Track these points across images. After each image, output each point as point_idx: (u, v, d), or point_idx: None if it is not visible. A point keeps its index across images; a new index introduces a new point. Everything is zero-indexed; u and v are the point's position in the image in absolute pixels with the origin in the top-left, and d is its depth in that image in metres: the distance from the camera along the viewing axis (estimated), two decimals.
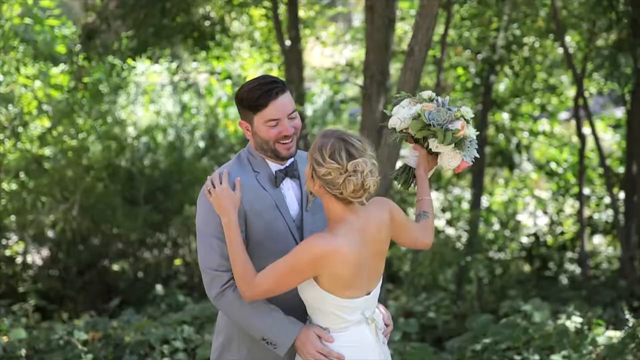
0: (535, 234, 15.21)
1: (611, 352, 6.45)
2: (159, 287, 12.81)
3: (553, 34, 12.12)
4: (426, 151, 4.32)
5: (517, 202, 15.74)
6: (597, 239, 15.44)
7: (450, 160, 4.30)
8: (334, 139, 3.81)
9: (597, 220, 15.09)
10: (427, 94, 4.34)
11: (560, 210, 15.47)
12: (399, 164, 6.49)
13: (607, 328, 7.96)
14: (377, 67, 8.32)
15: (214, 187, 4.00)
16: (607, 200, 15.28)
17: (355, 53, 15.50)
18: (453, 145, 4.23)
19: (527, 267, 15.04)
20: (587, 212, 15.33)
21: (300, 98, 12.53)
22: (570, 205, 15.66)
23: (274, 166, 4.14)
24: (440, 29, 12.43)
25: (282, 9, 13.11)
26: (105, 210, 13.19)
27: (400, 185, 4.40)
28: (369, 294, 3.97)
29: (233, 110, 15.70)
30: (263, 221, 4.05)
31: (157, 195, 13.87)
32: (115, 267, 14.14)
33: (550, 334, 6.81)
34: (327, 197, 3.86)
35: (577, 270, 13.96)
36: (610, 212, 14.96)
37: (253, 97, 4.00)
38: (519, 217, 15.70)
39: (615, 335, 6.89)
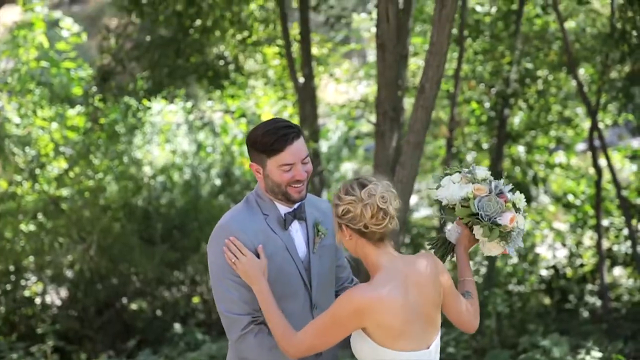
0: (554, 267, 15.11)
1: None
2: (177, 326, 12.80)
3: (566, 67, 12.12)
4: (469, 231, 4.19)
5: (535, 235, 15.64)
6: (617, 271, 15.31)
7: (492, 249, 4.14)
8: (347, 182, 3.88)
9: (617, 252, 14.98)
10: (482, 173, 4.16)
11: (579, 243, 15.37)
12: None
13: None
14: (389, 104, 8.36)
15: (237, 258, 3.99)
16: (625, 232, 15.20)
17: (369, 89, 15.55)
18: (498, 239, 4.07)
19: (547, 300, 14.94)
20: (606, 244, 15.24)
21: (315, 135, 12.59)
22: (589, 237, 15.56)
23: (283, 209, 4.16)
24: (453, 64, 12.47)
25: (295, 46, 13.19)
26: (123, 250, 13.23)
27: (437, 255, 4.25)
28: (428, 347, 3.85)
29: None
30: (274, 264, 4.07)
31: (174, 234, 13.90)
32: (134, 306, 14.14)
33: None
34: (360, 244, 3.85)
35: (598, 302, 13.86)
36: (629, 243, 14.87)
37: (268, 141, 4.01)
38: (538, 250, 15.60)
39: None
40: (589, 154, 16.28)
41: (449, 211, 4.21)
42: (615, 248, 15.03)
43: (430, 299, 3.85)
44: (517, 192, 4.12)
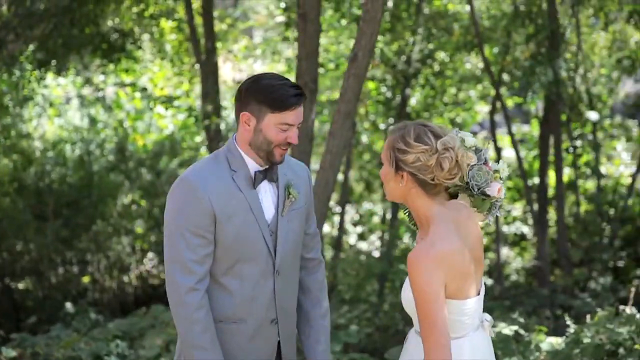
0: None
1: (556, 358, 6.49)
2: (68, 305, 12.40)
3: (470, 47, 12.25)
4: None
5: None
6: (505, 251, 15.66)
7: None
8: (414, 125, 3.63)
9: (507, 234, 15.34)
10: (471, 141, 3.87)
11: None
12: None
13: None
14: (310, 76, 8.23)
15: None
16: (514, 212, 15.59)
17: (268, 66, 15.39)
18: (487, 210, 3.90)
19: None
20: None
21: (217, 111, 12.38)
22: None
23: (253, 166, 3.96)
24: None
25: (196, 20, 12.91)
26: (12, 226, 12.73)
27: (411, 223, 3.99)
28: (479, 293, 3.71)
29: (141, 125, 15.40)
30: (234, 225, 3.88)
31: (66, 211, 13.46)
32: (21, 285, 13.65)
33: (494, 341, 6.82)
34: (415, 194, 3.63)
35: (489, 281, 14.12)
36: (518, 224, 15.25)
37: (279, 96, 3.81)
38: None
39: (557, 341, 6.94)
40: (480, 136, 16.64)
41: None
42: (505, 229, 15.38)
43: (478, 242, 3.73)
44: (500, 160, 4.03)
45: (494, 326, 7.83)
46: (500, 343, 6.80)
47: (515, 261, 15.27)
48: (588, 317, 6.99)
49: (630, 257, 14.04)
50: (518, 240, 15.44)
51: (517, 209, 15.91)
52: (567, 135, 12.75)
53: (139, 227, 14.36)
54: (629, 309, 6.83)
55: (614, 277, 13.06)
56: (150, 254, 14.65)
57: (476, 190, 3.87)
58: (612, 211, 14.15)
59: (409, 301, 3.62)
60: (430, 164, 3.56)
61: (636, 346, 6.31)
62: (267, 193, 3.98)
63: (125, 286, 14.40)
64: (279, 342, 4.09)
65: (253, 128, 3.86)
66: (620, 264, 13.70)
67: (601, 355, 6.31)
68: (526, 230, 15.40)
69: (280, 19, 15.11)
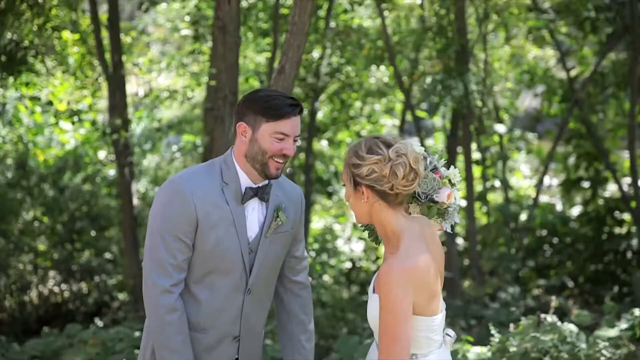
0: (352, 260, 15.41)
1: None
2: None
3: (380, 61, 12.36)
4: None
5: (335, 230, 15.90)
6: None
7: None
8: (366, 139, 3.64)
9: None
10: (417, 149, 3.82)
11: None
12: None
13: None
14: (230, 88, 8.19)
15: None
16: None
17: (171, 80, 15.20)
18: (436, 216, 3.91)
19: (345, 294, 15.17)
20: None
21: (125, 125, 12.16)
22: None
23: (246, 182, 3.94)
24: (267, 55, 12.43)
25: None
26: None
27: (371, 239, 3.99)
28: (441, 310, 3.69)
29: (41, 139, 15.01)
30: (215, 234, 3.86)
31: None
32: None
33: None
34: (377, 208, 3.60)
35: None
36: None
37: (274, 105, 3.83)
38: (338, 243, 15.85)
39: (482, 351, 7.02)
40: None
41: None
42: None
43: (442, 257, 3.75)
44: (452, 166, 4.03)
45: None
46: None
47: None
48: (511, 326, 7.09)
49: (530, 267, 14.39)
50: None
51: None
52: (476, 147, 12.99)
53: (42, 245, 13.98)
54: (550, 318, 6.96)
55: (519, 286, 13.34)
56: (52, 272, 14.26)
57: (423, 197, 3.88)
58: (516, 222, 14.47)
59: (375, 317, 3.57)
60: (385, 174, 3.55)
61: (561, 354, 6.44)
62: (254, 211, 3.97)
63: (26, 305, 13.99)
64: None
65: (249, 139, 3.87)
66: (520, 273, 14.02)
67: None
68: None
69: (186, 32, 15.00)
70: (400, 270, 3.46)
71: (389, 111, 15.58)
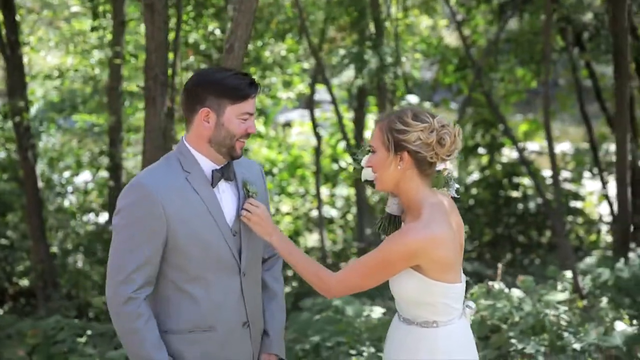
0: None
1: None
2: None
3: (284, 34, 12.26)
4: None
5: None
6: (315, 235, 15.86)
7: None
8: (407, 108, 3.70)
9: (316, 218, 15.53)
10: None
11: (277, 210, 15.72)
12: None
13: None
14: (160, 68, 7.97)
15: (250, 212, 3.72)
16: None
17: (62, 59, 14.71)
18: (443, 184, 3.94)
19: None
20: (302, 210, 15.79)
21: (26, 106, 11.72)
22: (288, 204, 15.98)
23: (209, 165, 3.81)
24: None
25: None
26: None
27: (380, 229, 3.99)
28: (461, 280, 3.79)
29: None
30: (189, 229, 3.72)
31: None
32: None
33: (376, 326, 6.93)
34: (409, 176, 3.66)
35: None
36: (326, 208, 15.50)
37: (238, 85, 3.72)
38: None
39: None
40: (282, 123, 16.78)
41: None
42: (314, 213, 15.60)
43: (461, 230, 3.82)
44: None
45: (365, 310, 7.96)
46: (383, 326, 6.91)
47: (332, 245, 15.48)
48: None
49: None
50: (327, 223, 15.66)
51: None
52: None
53: None
54: (497, 284, 7.13)
55: None
56: None
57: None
58: None
59: (405, 290, 3.67)
60: (430, 142, 3.62)
61: (516, 319, 6.60)
62: (225, 193, 3.85)
63: None
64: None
65: (214, 124, 3.74)
66: None
67: (485, 331, 6.55)
68: (335, 213, 15.68)
69: (76, 9, 14.55)
70: (418, 233, 3.57)
71: (288, 85, 15.53)
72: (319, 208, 13.34)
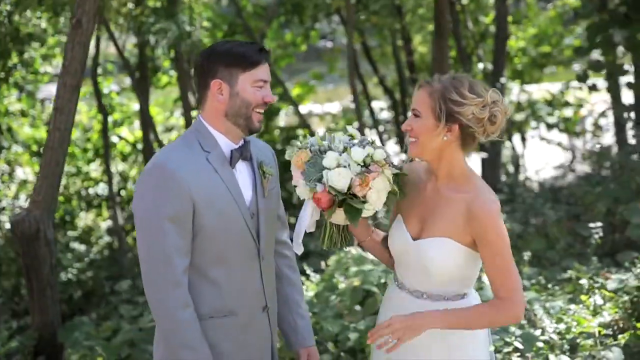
0: None
1: (319, 301, 6.67)
2: None
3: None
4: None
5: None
6: (91, 214, 15.21)
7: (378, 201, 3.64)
8: (462, 76, 3.48)
9: (91, 196, 14.92)
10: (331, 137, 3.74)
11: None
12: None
13: None
14: None
15: (392, 333, 3.46)
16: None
17: None
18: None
19: None
20: (73, 189, 15.06)
21: None
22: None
23: (228, 145, 3.67)
24: None
25: None
26: None
27: (339, 246, 3.81)
28: None
29: None
30: (215, 210, 3.56)
31: None
32: None
33: None
34: (453, 148, 3.51)
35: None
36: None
37: (246, 52, 3.58)
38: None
39: (312, 287, 7.10)
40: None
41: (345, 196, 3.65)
42: (90, 192, 14.95)
43: None
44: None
45: None
46: None
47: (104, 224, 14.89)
48: (323, 263, 7.21)
49: None
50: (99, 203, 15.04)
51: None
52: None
53: None
54: (354, 250, 7.18)
55: None
56: None
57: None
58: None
59: (442, 261, 3.52)
60: (482, 117, 3.47)
61: (382, 280, 6.67)
62: (242, 173, 3.72)
63: None
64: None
65: (228, 95, 3.62)
66: None
67: (358, 297, 6.59)
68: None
69: None
70: (496, 204, 3.49)
71: (48, 58, 14.73)
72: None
